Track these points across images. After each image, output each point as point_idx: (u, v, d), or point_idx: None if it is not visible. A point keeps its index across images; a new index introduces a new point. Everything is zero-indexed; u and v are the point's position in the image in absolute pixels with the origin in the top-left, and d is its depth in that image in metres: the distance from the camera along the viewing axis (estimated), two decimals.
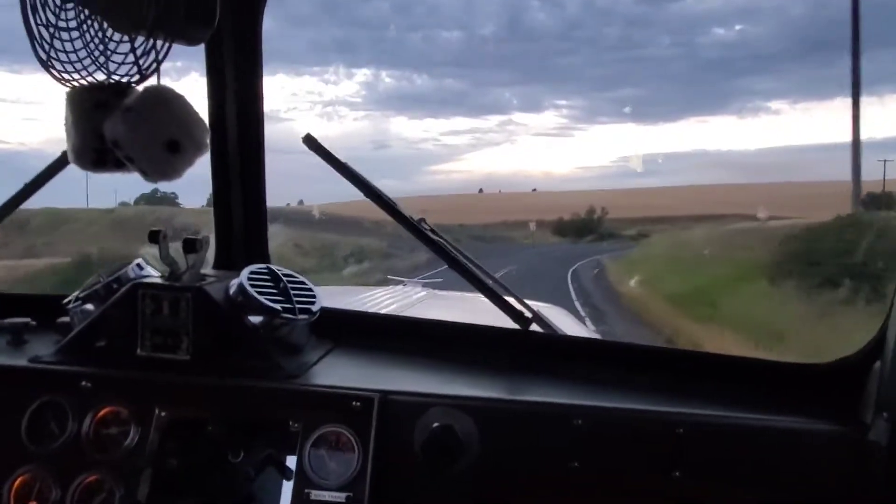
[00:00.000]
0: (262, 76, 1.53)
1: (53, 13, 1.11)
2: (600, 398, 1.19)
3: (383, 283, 4.27)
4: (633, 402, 1.19)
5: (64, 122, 1.16)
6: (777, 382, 1.24)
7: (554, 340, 1.40)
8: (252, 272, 1.32)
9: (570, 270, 20.83)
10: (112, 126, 1.09)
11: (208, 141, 1.17)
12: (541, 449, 1.14)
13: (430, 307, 3.20)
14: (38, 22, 1.11)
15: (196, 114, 1.16)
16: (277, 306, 1.27)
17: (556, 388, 1.26)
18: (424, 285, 4.22)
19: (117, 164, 1.14)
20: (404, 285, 4.16)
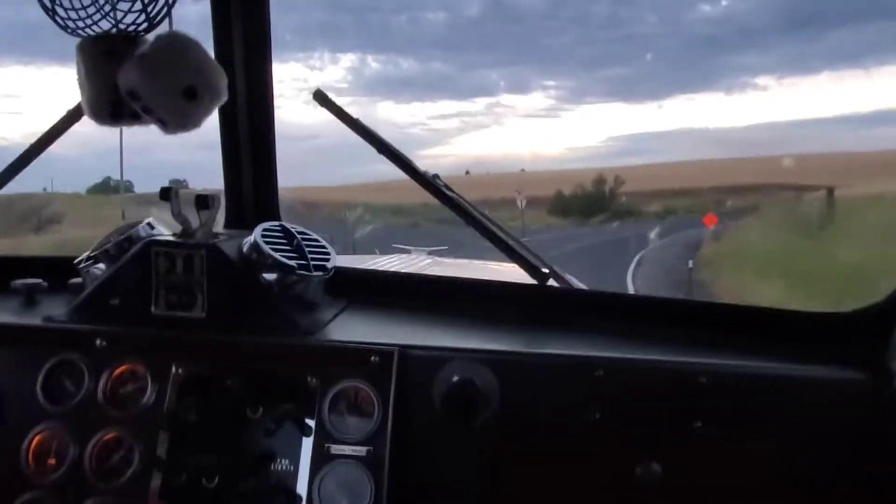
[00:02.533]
0: (269, 28, 1.49)
1: None
2: (620, 350, 1.18)
3: (388, 251, 4.26)
4: (654, 353, 1.18)
5: (77, 75, 1.13)
6: (801, 331, 1.22)
7: (571, 294, 1.38)
8: (266, 229, 1.30)
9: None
10: (127, 75, 1.06)
11: (225, 87, 1.14)
12: (562, 400, 1.13)
13: (437, 272, 3.19)
14: None
15: (212, 60, 1.13)
16: (292, 263, 1.26)
17: (575, 340, 1.25)
18: (430, 253, 4.21)
19: (133, 116, 1.11)
20: (409, 254, 4.15)
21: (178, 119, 1.10)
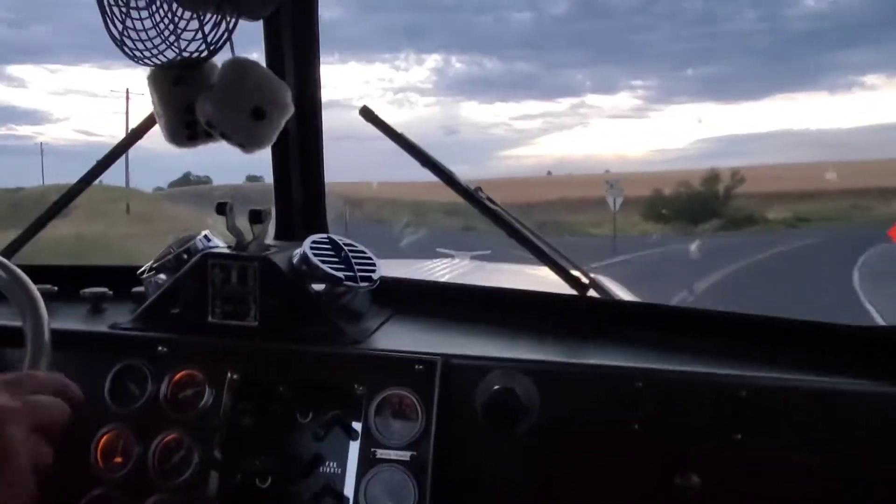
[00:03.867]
0: (318, 50, 1.55)
1: None
2: (661, 361, 1.20)
3: (432, 255, 4.32)
4: (694, 365, 1.19)
5: (151, 103, 1.21)
6: (843, 345, 1.22)
7: (612, 305, 1.40)
8: (314, 241, 1.36)
9: None
10: (202, 107, 1.13)
11: (289, 100, 1.21)
12: (602, 411, 1.16)
13: (480, 279, 3.23)
14: (111, 2, 1.16)
15: (275, 77, 1.20)
16: (340, 274, 1.31)
17: (615, 351, 1.27)
18: (472, 258, 4.25)
19: (208, 135, 1.19)
20: (452, 258, 4.20)
21: (251, 140, 1.18)
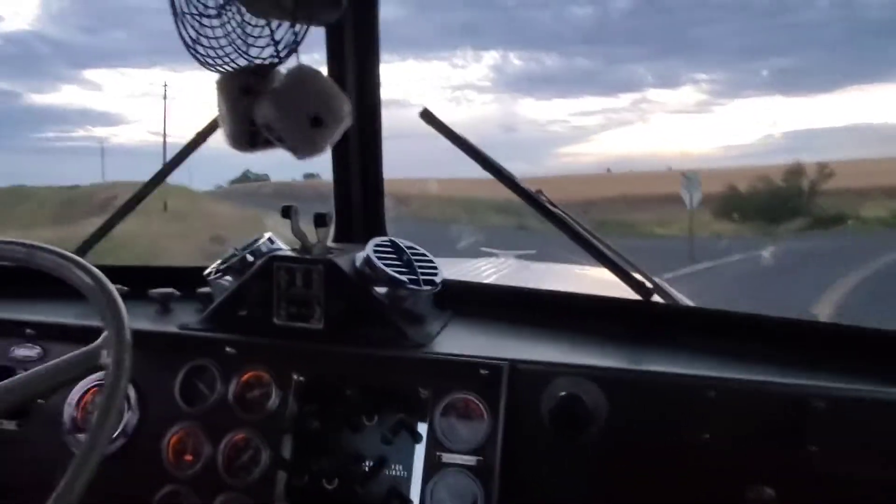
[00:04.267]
0: (379, 55, 1.56)
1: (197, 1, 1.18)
2: (732, 370, 1.17)
3: (476, 255, 4.30)
4: (767, 374, 1.15)
5: (217, 109, 1.24)
6: None
7: (677, 311, 1.38)
8: (377, 245, 1.37)
9: None
10: (262, 110, 1.15)
11: (348, 112, 1.22)
12: (670, 419, 1.14)
13: (527, 279, 3.21)
14: (184, 10, 1.18)
15: (335, 87, 1.21)
16: (403, 277, 1.32)
17: (683, 359, 1.24)
18: (517, 257, 4.23)
19: (266, 143, 1.21)
20: (497, 257, 4.18)
21: (307, 146, 1.19)
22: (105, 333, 1.02)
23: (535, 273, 3.61)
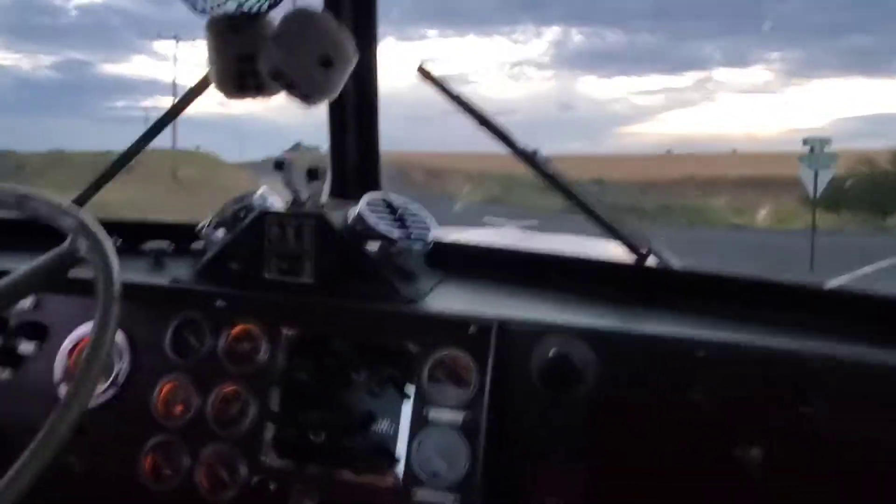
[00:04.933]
0: (376, 11, 1.53)
1: None
2: (723, 331, 1.16)
3: (480, 224, 4.30)
4: (760, 336, 1.14)
5: (207, 53, 1.22)
6: None
7: (671, 273, 1.36)
8: (370, 201, 1.36)
9: None
10: (268, 57, 1.13)
11: (353, 49, 1.20)
12: (660, 380, 1.13)
13: (529, 246, 3.19)
14: None
15: (340, 26, 1.19)
16: (395, 233, 1.31)
17: (675, 320, 1.23)
18: (520, 227, 4.22)
19: (257, 89, 1.19)
20: (501, 227, 4.17)
21: (319, 88, 1.17)
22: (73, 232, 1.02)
23: (537, 243, 3.60)
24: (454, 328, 1.19)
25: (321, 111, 1.56)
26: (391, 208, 1.38)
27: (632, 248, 1.37)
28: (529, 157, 1.43)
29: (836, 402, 1.07)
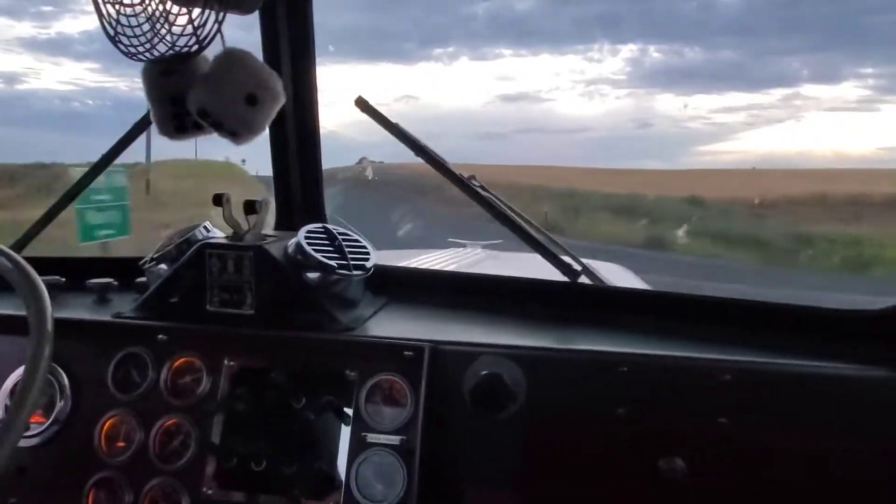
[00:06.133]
0: (314, 42, 1.58)
1: None
2: (647, 346, 1.21)
3: (443, 245, 4.33)
4: (680, 349, 1.19)
5: (146, 96, 1.25)
6: (827, 329, 1.22)
7: (601, 291, 1.41)
8: (309, 231, 1.39)
9: None
10: (195, 96, 1.16)
11: (281, 88, 1.23)
12: (587, 396, 1.17)
13: (486, 267, 3.24)
14: (105, 0, 1.19)
15: (266, 67, 1.23)
16: (333, 263, 1.34)
17: (603, 337, 1.28)
18: (484, 247, 4.27)
19: (196, 127, 1.22)
20: (464, 248, 4.22)
21: (244, 126, 1.20)
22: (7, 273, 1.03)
23: (502, 262, 3.65)
24: (390, 353, 1.22)
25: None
26: (331, 237, 1.41)
27: (565, 268, 1.42)
28: (465, 184, 1.48)
29: (754, 412, 1.12)
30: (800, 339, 1.21)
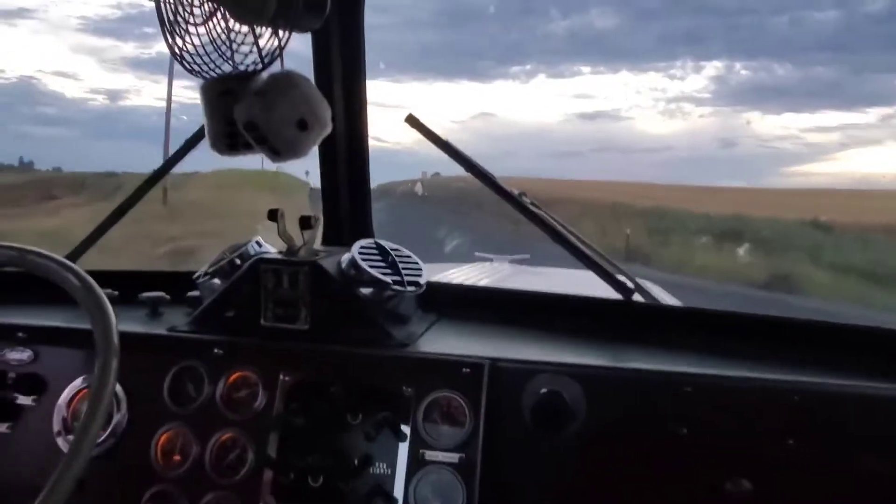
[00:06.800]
0: (364, 61, 1.60)
1: (184, 9, 1.21)
2: (709, 367, 1.19)
3: (471, 259, 4.34)
4: (744, 370, 1.18)
5: (203, 112, 1.27)
6: None
7: (657, 310, 1.40)
8: (363, 247, 1.40)
9: None
10: (246, 110, 1.18)
11: (329, 118, 1.25)
12: (649, 415, 1.16)
13: (518, 283, 3.23)
14: (171, 19, 1.21)
15: (319, 94, 1.24)
16: (388, 279, 1.34)
17: (661, 356, 1.27)
18: (511, 261, 4.26)
19: (246, 146, 1.24)
20: (492, 262, 4.22)
21: (289, 148, 1.22)
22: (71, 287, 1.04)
23: (530, 277, 3.64)
24: (447, 370, 1.22)
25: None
26: (383, 253, 1.42)
27: (618, 285, 1.41)
28: (516, 200, 1.48)
29: (822, 434, 1.10)
30: (868, 360, 1.19)
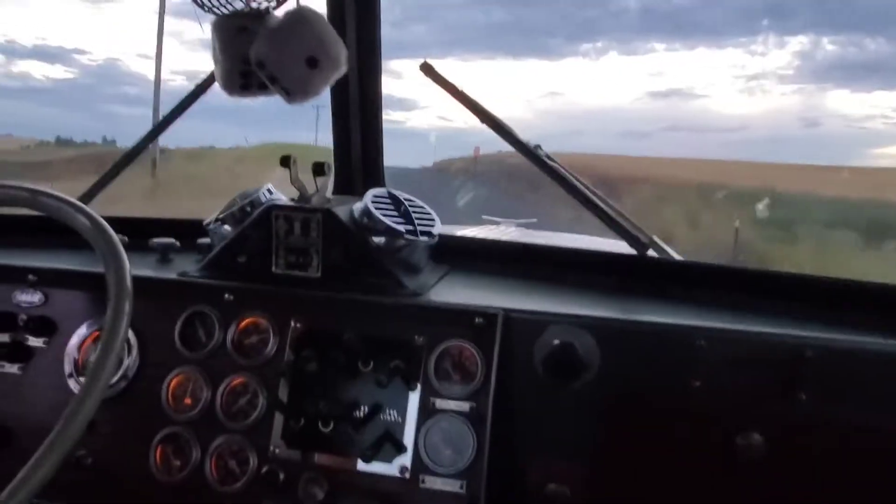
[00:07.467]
0: (379, 10, 1.55)
1: None
2: (723, 321, 1.18)
3: (478, 223, 4.31)
4: (758, 324, 1.17)
5: (212, 50, 1.23)
6: None
7: (671, 265, 1.39)
8: (376, 195, 1.38)
9: None
10: (257, 47, 1.14)
11: (344, 58, 1.21)
12: (662, 368, 1.15)
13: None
14: None
15: (334, 32, 1.20)
16: (401, 228, 1.33)
17: (675, 310, 1.25)
18: (518, 225, 4.23)
19: (260, 87, 1.20)
20: (498, 225, 4.19)
21: (299, 87, 1.18)
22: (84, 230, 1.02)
23: (538, 239, 3.62)
24: (459, 319, 1.21)
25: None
26: (396, 203, 1.40)
27: (633, 240, 1.40)
28: (532, 152, 1.45)
29: (835, 389, 1.09)
30: (884, 317, 1.18)
